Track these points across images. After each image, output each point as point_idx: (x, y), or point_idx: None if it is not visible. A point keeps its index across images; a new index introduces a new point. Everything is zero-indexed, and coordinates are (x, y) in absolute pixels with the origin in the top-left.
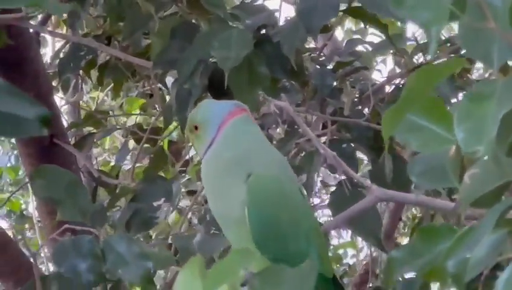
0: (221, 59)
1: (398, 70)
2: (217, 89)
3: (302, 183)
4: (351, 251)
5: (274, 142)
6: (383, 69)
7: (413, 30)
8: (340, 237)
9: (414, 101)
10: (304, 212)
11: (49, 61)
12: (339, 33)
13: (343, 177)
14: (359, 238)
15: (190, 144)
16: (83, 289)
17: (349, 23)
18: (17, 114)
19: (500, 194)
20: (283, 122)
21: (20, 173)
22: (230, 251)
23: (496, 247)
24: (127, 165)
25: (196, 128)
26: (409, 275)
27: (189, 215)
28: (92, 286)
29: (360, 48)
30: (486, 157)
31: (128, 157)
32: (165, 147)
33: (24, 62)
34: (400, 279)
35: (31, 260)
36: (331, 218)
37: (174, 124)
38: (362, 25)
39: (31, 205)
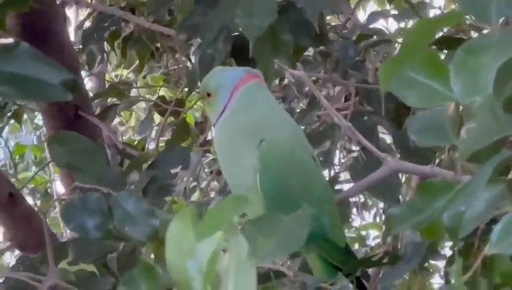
0: (245, 27)
1: None
2: (241, 55)
3: (323, 152)
4: (374, 232)
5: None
6: None
7: None
8: (363, 219)
9: (411, 55)
10: (316, 180)
11: (73, 33)
12: (361, 16)
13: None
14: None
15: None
16: (98, 253)
17: (373, 6)
18: (43, 79)
19: (497, 149)
20: (305, 95)
21: (45, 152)
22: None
23: (492, 202)
24: (151, 145)
25: (209, 94)
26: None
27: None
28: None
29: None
30: (482, 113)
31: (153, 135)
32: (189, 120)
33: (50, 35)
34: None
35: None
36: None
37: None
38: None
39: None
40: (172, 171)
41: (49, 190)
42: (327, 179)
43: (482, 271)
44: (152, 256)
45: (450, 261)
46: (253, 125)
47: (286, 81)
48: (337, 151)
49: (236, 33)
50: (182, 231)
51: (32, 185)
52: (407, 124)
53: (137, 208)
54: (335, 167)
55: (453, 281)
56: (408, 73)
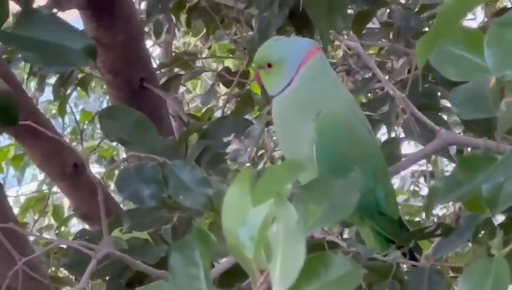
0: None
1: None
2: (298, 19)
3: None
4: None
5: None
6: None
7: None
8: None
9: (448, 28)
10: (372, 152)
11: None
12: None
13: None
14: None
15: None
16: (153, 224)
17: None
18: (65, 44)
19: None
20: (362, 67)
21: None
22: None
23: None
24: (218, 113)
25: (269, 65)
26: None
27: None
28: (167, 213)
29: None
30: None
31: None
32: (256, 90)
33: (116, 5)
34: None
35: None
36: None
37: None
38: None
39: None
40: (225, 139)
41: (115, 158)
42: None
43: None
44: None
45: (490, 234)
46: (313, 99)
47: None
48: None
49: None
50: (238, 196)
51: (98, 154)
52: (450, 97)
53: (192, 177)
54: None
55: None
56: (447, 47)
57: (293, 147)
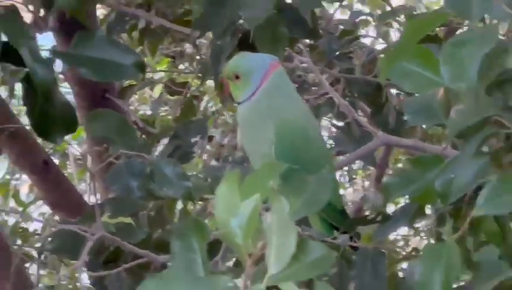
0: (247, 18)
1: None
2: (246, 48)
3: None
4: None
5: None
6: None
7: None
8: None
9: (406, 49)
10: (321, 151)
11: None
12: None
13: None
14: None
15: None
16: (130, 210)
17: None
18: (117, 61)
19: (481, 127)
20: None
21: None
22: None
23: (478, 172)
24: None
25: (237, 77)
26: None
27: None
28: (144, 202)
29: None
30: (468, 96)
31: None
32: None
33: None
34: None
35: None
36: None
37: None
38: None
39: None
40: (192, 140)
41: (66, 151)
42: None
43: (469, 231)
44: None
45: (440, 222)
46: (273, 107)
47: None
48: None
49: (242, 30)
50: (228, 192)
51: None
52: (403, 106)
53: (174, 172)
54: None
55: (444, 238)
56: (404, 64)
57: (255, 147)
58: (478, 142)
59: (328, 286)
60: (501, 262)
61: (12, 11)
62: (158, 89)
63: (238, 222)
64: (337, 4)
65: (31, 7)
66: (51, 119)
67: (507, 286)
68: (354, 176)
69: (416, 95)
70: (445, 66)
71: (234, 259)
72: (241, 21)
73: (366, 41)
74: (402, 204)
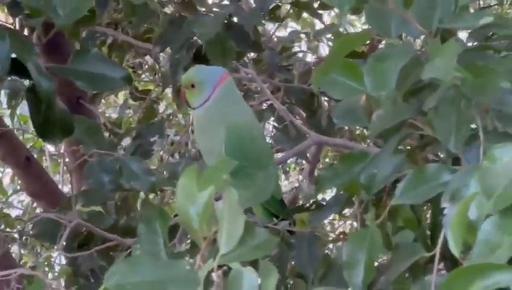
0: (200, 34)
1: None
2: (199, 60)
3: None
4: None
5: None
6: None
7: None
8: None
9: (335, 62)
10: (265, 149)
11: None
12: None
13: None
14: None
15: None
16: (100, 201)
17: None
18: (108, 75)
19: (398, 129)
20: (241, 89)
21: None
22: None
23: (396, 167)
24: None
25: (193, 86)
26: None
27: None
28: (112, 194)
29: None
30: (387, 103)
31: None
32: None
33: (61, 44)
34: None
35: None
36: None
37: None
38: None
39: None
40: (152, 139)
41: (43, 148)
42: None
43: (388, 218)
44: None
45: (365, 210)
46: (223, 113)
47: None
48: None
49: (196, 45)
50: (188, 185)
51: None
52: (332, 111)
53: (140, 168)
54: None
55: (368, 224)
56: (333, 75)
57: (208, 146)
58: (396, 142)
59: (270, 264)
60: (416, 244)
61: (15, 29)
62: (121, 95)
63: (195, 210)
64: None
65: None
66: (52, 124)
67: (421, 264)
68: (287, 169)
69: (343, 101)
70: (368, 76)
71: (189, 241)
72: (195, 38)
73: (300, 54)
74: (330, 195)
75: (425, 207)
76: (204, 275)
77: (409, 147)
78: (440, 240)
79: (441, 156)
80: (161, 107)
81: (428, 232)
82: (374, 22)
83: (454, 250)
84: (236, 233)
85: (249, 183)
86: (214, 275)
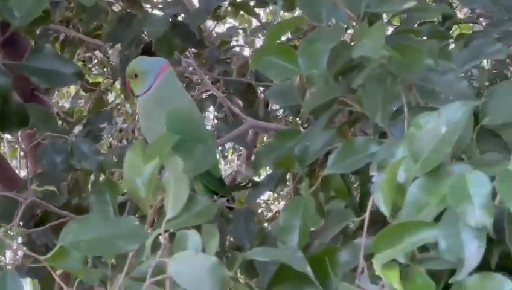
0: (149, 32)
1: None
2: (147, 55)
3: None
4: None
5: None
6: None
7: None
8: None
9: (270, 46)
10: (203, 132)
11: None
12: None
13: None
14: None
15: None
16: (55, 181)
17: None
18: (61, 71)
19: (329, 106)
20: (183, 81)
21: None
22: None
23: (327, 141)
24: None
25: (136, 75)
26: None
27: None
28: (65, 173)
29: None
30: (319, 81)
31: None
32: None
33: (17, 41)
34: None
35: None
36: None
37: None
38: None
39: None
40: (101, 126)
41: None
42: None
43: (321, 187)
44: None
45: (299, 182)
46: (164, 99)
47: None
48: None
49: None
50: (134, 158)
51: None
52: (268, 93)
53: (90, 149)
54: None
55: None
56: (269, 58)
57: (151, 131)
58: (327, 118)
59: (212, 227)
60: (346, 210)
61: None
62: (73, 87)
63: (141, 180)
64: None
65: None
66: (8, 117)
67: (350, 229)
68: (226, 154)
69: (277, 82)
70: (301, 57)
71: (137, 217)
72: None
73: (237, 49)
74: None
75: (354, 177)
76: (152, 238)
77: (339, 123)
78: (369, 206)
79: (369, 130)
80: (110, 97)
81: (357, 200)
82: (306, 8)
83: (385, 210)
84: (181, 199)
85: (189, 155)
86: (161, 238)
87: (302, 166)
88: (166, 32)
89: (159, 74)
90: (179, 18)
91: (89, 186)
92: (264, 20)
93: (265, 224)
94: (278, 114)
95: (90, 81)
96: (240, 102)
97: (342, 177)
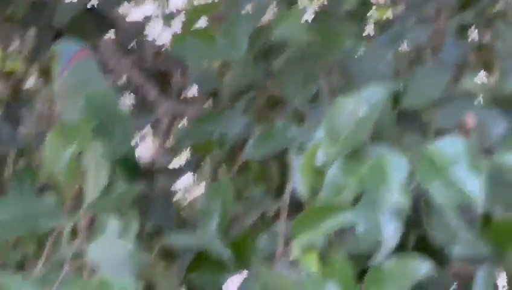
0: (61, 19)
1: None
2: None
3: None
4: None
5: None
6: None
7: None
8: None
9: (189, 31)
10: (119, 114)
11: None
12: None
13: None
14: None
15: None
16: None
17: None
18: None
19: (249, 89)
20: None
21: None
22: None
23: (246, 125)
24: None
25: (54, 59)
26: None
27: None
28: None
29: None
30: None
31: None
32: None
33: None
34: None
35: None
36: None
37: None
38: None
39: None
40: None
41: None
42: None
43: (240, 172)
44: None
45: (219, 166)
46: (81, 82)
47: None
48: None
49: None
50: (54, 141)
51: None
52: (194, 80)
53: (9, 133)
54: None
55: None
56: (189, 41)
57: (69, 113)
58: (246, 101)
59: (131, 212)
60: (265, 195)
61: None
62: None
63: (61, 165)
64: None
65: None
66: None
67: (270, 214)
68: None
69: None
70: (221, 42)
71: None
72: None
73: (153, 33)
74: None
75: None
76: (71, 223)
77: (258, 107)
78: (288, 190)
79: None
80: (28, 82)
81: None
82: None
83: (304, 193)
84: (101, 184)
85: (108, 139)
86: (81, 222)
87: (222, 149)
88: (78, 17)
89: (74, 57)
90: (93, 3)
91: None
92: (181, 6)
93: (185, 209)
94: (195, 98)
95: (8, 67)
96: (155, 87)
97: (261, 162)
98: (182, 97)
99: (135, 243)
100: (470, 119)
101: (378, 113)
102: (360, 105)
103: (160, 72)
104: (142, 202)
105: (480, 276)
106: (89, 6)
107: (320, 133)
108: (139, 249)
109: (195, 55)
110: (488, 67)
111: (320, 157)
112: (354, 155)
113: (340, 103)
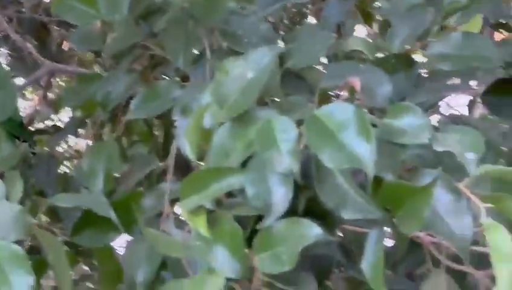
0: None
1: None
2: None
3: None
4: None
5: None
6: None
7: None
8: None
9: None
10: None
11: None
12: None
13: None
14: None
15: None
16: None
17: None
18: None
19: (131, 50)
20: None
21: None
22: None
23: (129, 85)
24: None
25: None
26: None
27: None
28: None
29: None
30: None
31: None
32: None
33: None
34: None
35: None
36: None
37: None
38: None
39: None
40: None
41: None
42: None
43: (124, 132)
44: None
45: (101, 127)
46: None
47: None
48: None
49: None
50: None
51: None
52: (70, 38)
53: None
54: None
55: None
56: (70, 2)
57: None
58: (128, 62)
59: (16, 173)
60: (150, 155)
61: None
62: None
63: None
64: None
65: None
66: None
67: (155, 174)
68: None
69: (79, 27)
70: (102, 2)
71: None
72: None
73: None
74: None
75: (157, 121)
76: None
77: (141, 67)
78: (173, 150)
79: (171, 74)
80: None
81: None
82: None
83: (191, 155)
84: None
85: None
86: None
87: (104, 111)
88: None
89: None
90: None
91: None
92: None
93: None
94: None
95: None
96: (33, 40)
97: (145, 122)
98: (59, 50)
99: (20, 204)
100: (355, 81)
101: (267, 77)
102: (247, 68)
103: (38, 25)
104: (26, 161)
105: (371, 238)
106: None
107: (207, 96)
108: (24, 211)
109: (76, 15)
110: (368, 21)
111: (208, 121)
112: (241, 118)
113: (227, 66)
